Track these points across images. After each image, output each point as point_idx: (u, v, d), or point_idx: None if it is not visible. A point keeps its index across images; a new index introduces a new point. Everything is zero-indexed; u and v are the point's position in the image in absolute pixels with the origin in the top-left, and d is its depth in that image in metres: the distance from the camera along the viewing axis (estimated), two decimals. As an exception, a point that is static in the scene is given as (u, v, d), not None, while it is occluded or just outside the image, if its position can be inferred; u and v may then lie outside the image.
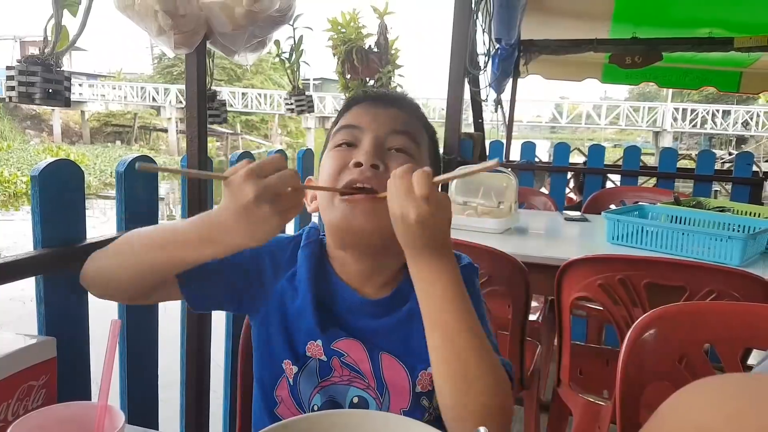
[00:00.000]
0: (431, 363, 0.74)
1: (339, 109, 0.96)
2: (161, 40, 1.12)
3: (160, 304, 1.12)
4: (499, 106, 5.39)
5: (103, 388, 0.56)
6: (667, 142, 22.00)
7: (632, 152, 3.43)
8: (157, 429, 0.78)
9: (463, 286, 0.75)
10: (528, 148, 3.69)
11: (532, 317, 2.39)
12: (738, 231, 1.85)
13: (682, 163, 5.28)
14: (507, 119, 5.58)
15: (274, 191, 0.68)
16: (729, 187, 3.30)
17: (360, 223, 0.80)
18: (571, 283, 1.68)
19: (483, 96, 3.95)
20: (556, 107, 23.37)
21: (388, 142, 0.85)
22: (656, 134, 22.24)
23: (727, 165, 10.20)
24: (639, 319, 1.05)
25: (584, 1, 4.37)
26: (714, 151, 3.95)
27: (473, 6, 3.25)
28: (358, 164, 0.82)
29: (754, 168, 3.41)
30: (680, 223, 2.06)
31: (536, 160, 3.81)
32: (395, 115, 0.88)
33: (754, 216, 2.16)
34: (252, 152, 1.95)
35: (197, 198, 1.36)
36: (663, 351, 1.04)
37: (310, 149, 2.14)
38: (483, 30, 3.37)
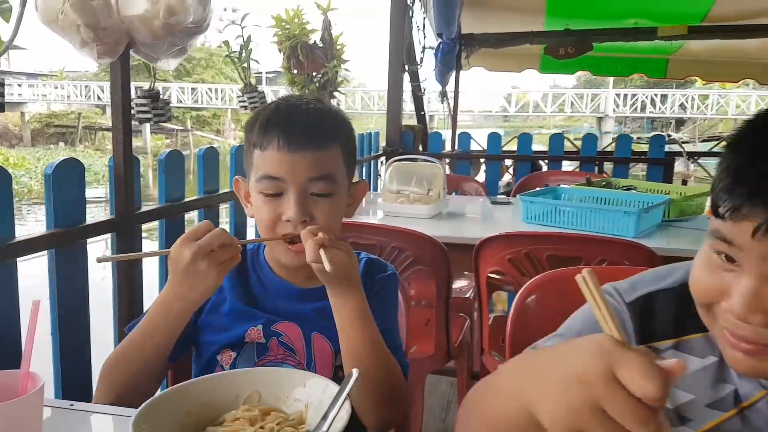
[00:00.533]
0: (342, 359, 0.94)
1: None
2: (85, 52, 1.21)
3: (97, 283, 1.23)
4: (444, 98, 5.56)
5: (25, 357, 0.69)
6: (609, 126, 22.90)
7: (557, 139, 3.66)
8: (90, 401, 0.89)
9: (367, 309, 0.93)
10: (464, 138, 3.88)
11: (467, 295, 2.57)
12: (635, 206, 2.06)
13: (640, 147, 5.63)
14: (452, 110, 5.76)
15: (206, 249, 0.85)
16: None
17: (301, 262, 0.93)
18: (486, 260, 1.85)
19: (422, 89, 4.10)
20: (506, 97, 23.94)
21: (309, 188, 0.96)
22: (599, 119, 23.07)
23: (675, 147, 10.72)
24: (523, 286, 1.20)
25: (520, -4, 4.57)
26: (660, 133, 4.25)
27: (409, 3, 3.39)
28: (290, 219, 0.95)
29: (677, 149, 3.69)
30: (593, 202, 2.27)
31: (481, 149, 4.00)
32: (311, 160, 0.95)
33: (660, 193, 2.38)
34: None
35: (122, 177, 1.47)
36: (543, 314, 1.18)
37: (212, 147, 2.14)
38: (418, 27, 3.51)
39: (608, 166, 3.71)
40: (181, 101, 26.50)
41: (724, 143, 0.70)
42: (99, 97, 27.24)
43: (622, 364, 0.46)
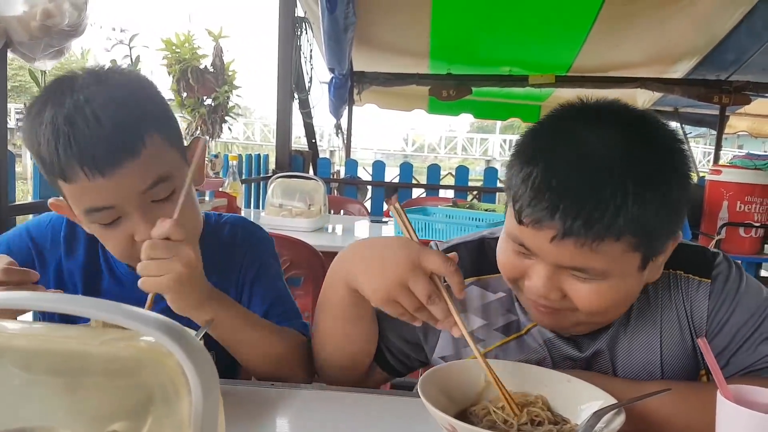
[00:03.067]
0: None
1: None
2: (-41, 47, 1.28)
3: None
4: (339, 130, 5.80)
5: None
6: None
7: (433, 170, 4.09)
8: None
9: (236, 306, 0.87)
10: (351, 165, 4.13)
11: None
12: (486, 222, 2.36)
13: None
14: (345, 142, 6.02)
15: None
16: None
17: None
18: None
19: (311, 117, 4.32)
20: (405, 138, 25.03)
21: (147, 196, 0.82)
22: (488, 162, 24.70)
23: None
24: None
25: (405, 39, 4.95)
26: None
27: (296, 32, 3.61)
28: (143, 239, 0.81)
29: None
30: (461, 220, 2.55)
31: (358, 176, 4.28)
32: (132, 172, 0.79)
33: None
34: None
35: None
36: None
37: None
38: (305, 58, 3.74)
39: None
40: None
41: (513, 148, 0.77)
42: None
43: (424, 255, 0.72)
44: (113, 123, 0.78)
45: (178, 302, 0.78)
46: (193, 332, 0.74)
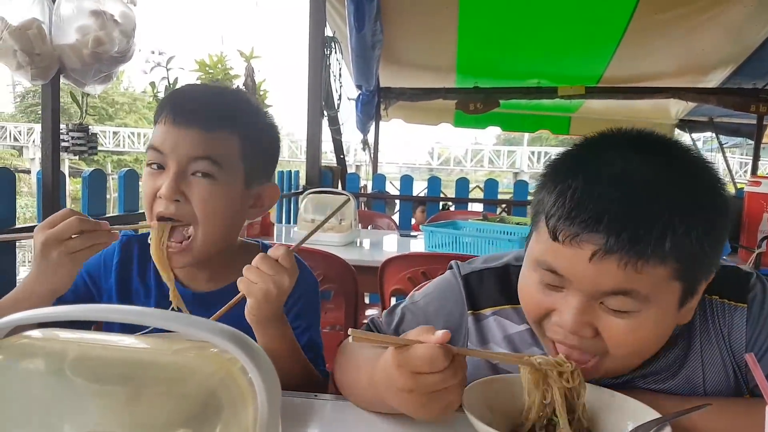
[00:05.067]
0: None
1: None
2: (20, 74, 1.36)
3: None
4: (366, 145, 5.86)
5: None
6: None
7: (462, 183, 4.07)
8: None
9: (290, 334, 0.92)
10: (379, 179, 4.16)
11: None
12: (517, 236, 2.35)
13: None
14: (372, 157, 6.07)
15: (58, 238, 0.80)
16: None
17: (181, 263, 0.94)
18: (389, 278, 2.05)
19: (340, 133, 4.38)
20: (430, 152, 25.13)
21: (190, 167, 0.91)
22: (515, 175, 24.56)
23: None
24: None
25: (431, 55, 4.99)
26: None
27: (325, 52, 3.69)
28: (161, 195, 0.90)
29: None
30: (490, 233, 2.54)
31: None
32: (197, 138, 0.91)
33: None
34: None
35: (50, 187, 1.57)
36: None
37: (99, 169, 2.16)
38: (335, 77, 3.81)
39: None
40: (102, 144, 25.69)
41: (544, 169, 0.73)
42: (15, 138, 25.94)
43: (408, 361, 0.64)
44: (211, 100, 0.95)
45: (255, 311, 0.85)
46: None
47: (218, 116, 0.93)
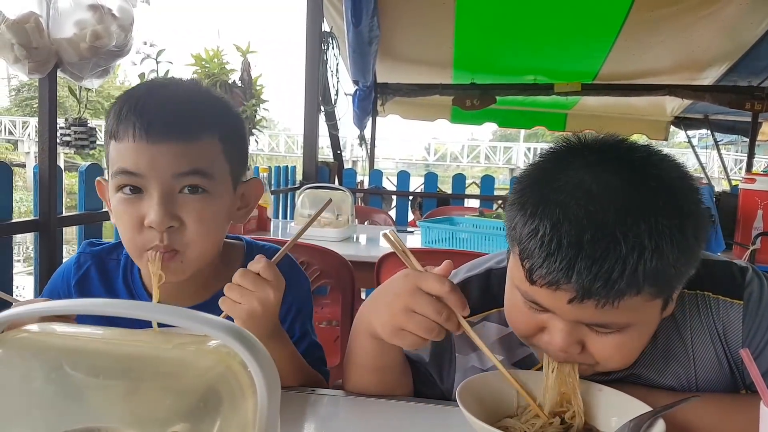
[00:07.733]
0: None
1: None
2: (17, 67, 1.36)
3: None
4: (363, 141, 5.86)
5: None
6: (521, 177, 24.33)
7: (458, 180, 4.06)
8: None
9: (289, 345, 0.88)
10: (376, 175, 4.16)
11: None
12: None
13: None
14: (369, 153, 6.06)
15: None
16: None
17: (179, 278, 0.86)
18: (386, 274, 2.05)
19: (337, 128, 4.37)
20: (426, 147, 25.13)
21: (177, 185, 0.81)
22: (512, 170, 24.60)
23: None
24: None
25: (428, 50, 4.99)
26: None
27: (323, 47, 3.68)
28: (152, 225, 0.79)
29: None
30: (487, 229, 2.54)
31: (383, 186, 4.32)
32: (179, 151, 0.80)
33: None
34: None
35: (46, 181, 1.57)
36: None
37: (96, 164, 2.13)
38: (331, 72, 3.81)
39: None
40: (98, 138, 25.51)
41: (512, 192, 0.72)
42: (10, 132, 25.79)
43: (422, 279, 0.73)
44: (185, 104, 0.82)
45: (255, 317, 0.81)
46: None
47: (197, 122, 0.82)
